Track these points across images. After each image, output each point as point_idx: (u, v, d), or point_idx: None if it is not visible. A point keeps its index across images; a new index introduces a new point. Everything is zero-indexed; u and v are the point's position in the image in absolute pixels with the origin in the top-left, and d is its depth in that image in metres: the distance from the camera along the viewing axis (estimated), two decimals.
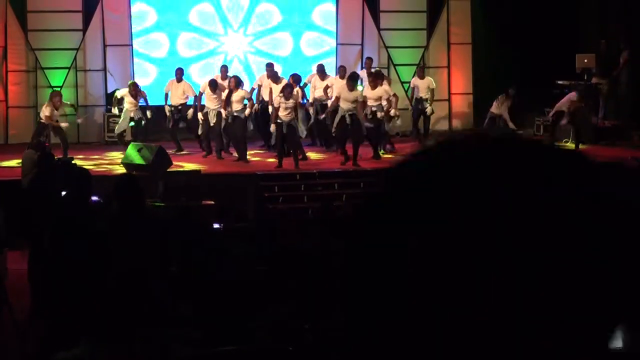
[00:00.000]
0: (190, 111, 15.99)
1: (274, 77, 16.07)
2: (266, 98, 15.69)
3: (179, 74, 16.51)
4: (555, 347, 0.76)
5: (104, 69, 18.31)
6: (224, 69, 16.51)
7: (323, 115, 15.44)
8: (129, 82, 16.46)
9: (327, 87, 16.02)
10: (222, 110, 15.37)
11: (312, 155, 15.50)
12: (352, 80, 15.00)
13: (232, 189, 13.34)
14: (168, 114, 16.26)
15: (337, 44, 19.20)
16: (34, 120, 16.86)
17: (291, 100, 14.45)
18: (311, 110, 16.45)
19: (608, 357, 0.79)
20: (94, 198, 8.22)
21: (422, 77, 17.39)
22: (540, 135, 17.58)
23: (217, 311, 5.26)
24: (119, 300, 4.18)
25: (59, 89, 18.06)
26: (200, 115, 15.66)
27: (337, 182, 14.10)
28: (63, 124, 15.54)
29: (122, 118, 16.02)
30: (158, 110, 16.72)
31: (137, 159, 13.66)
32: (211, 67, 18.46)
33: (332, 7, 19.22)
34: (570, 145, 16.40)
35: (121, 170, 13.88)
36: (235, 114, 15.17)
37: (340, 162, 14.77)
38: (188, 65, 18.35)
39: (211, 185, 13.27)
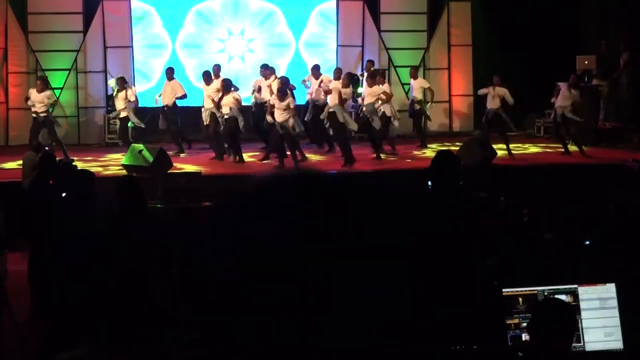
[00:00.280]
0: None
1: (267, 77, 16.07)
2: (267, 97, 15.66)
3: (169, 73, 16.52)
4: None
5: (105, 71, 18.31)
6: (216, 68, 16.32)
7: (323, 115, 15.41)
8: (117, 77, 16.46)
9: (320, 82, 16.01)
10: (215, 111, 15.45)
11: (313, 156, 15.48)
12: (350, 80, 15.12)
13: (232, 190, 13.31)
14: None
15: (337, 46, 19.20)
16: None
17: (285, 102, 14.46)
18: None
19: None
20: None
21: (414, 77, 17.35)
22: (541, 135, 17.55)
23: (217, 312, 5.26)
24: (119, 301, 4.18)
25: (59, 90, 18.09)
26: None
27: None
28: (59, 129, 15.52)
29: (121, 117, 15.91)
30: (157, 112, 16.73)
31: (138, 161, 13.66)
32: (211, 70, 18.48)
33: (332, 9, 19.22)
34: (572, 147, 16.40)
35: (122, 172, 13.90)
36: (226, 116, 15.16)
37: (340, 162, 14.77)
38: (189, 67, 18.40)
39: (211, 186, 13.25)
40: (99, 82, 18.37)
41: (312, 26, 19.18)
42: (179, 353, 4.60)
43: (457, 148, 15.01)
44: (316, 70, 16.57)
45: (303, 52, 19.08)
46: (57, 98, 15.84)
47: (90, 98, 18.18)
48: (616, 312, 4.35)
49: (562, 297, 4.31)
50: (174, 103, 16.33)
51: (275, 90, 14.94)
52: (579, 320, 4.29)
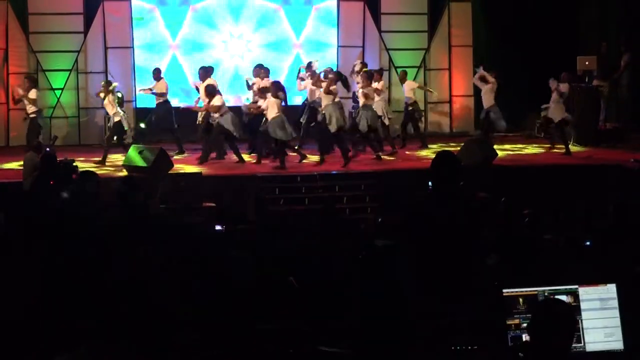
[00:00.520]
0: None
1: (261, 77, 16.04)
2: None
3: (156, 74, 16.53)
4: None
5: (105, 71, 18.32)
6: (202, 71, 16.06)
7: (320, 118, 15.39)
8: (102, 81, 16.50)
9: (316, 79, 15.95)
10: (200, 114, 15.54)
11: (313, 157, 15.48)
12: (338, 77, 15.06)
13: (233, 190, 13.34)
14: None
15: (338, 46, 19.20)
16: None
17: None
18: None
19: None
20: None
21: (403, 81, 17.38)
22: (541, 136, 17.55)
23: (217, 313, 5.25)
24: (119, 303, 4.18)
25: (60, 91, 18.09)
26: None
27: (338, 184, 14.10)
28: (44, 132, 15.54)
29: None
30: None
31: (139, 161, 13.66)
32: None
33: (333, 9, 19.22)
34: (573, 147, 16.40)
35: (123, 172, 13.90)
36: (216, 120, 15.16)
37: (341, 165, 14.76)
38: (188, 68, 18.41)
39: (212, 187, 13.27)
40: (100, 83, 18.36)
41: (312, 26, 19.17)
42: (178, 353, 4.60)
43: (458, 148, 15.02)
44: (308, 67, 16.46)
45: (304, 52, 19.07)
46: (37, 97, 15.48)
47: (90, 99, 18.17)
48: (617, 313, 4.35)
49: (563, 297, 4.31)
50: (166, 101, 16.34)
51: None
52: (580, 320, 4.29)
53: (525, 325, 4.17)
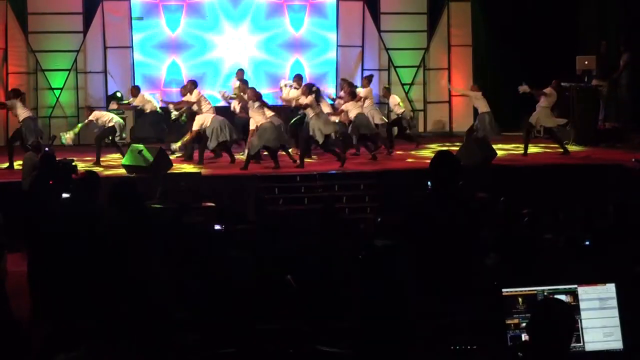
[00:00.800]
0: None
1: (243, 82, 15.95)
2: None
3: (134, 91, 16.65)
4: None
5: (105, 71, 18.32)
6: (188, 85, 15.77)
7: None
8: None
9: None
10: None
11: (307, 159, 15.46)
12: (308, 90, 14.89)
13: (232, 190, 13.34)
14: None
15: (337, 46, 19.20)
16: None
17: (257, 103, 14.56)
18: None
19: None
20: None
21: (387, 97, 17.35)
22: (540, 136, 17.54)
23: (217, 314, 5.25)
24: (118, 303, 4.18)
25: (59, 91, 18.09)
26: None
27: (337, 184, 14.10)
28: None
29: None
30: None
31: (138, 161, 13.66)
32: (212, 70, 18.49)
33: (332, 9, 19.21)
34: (572, 147, 16.40)
35: (122, 171, 13.91)
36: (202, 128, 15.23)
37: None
38: (187, 68, 18.42)
39: (211, 187, 13.26)
40: (99, 83, 18.38)
41: (312, 26, 19.16)
42: (178, 353, 4.60)
43: (457, 148, 15.02)
44: (299, 79, 16.44)
45: (304, 52, 19.08)
46: (19, 107, 15.31)
47: (90, 98, 18.18)
48: (616, 312, 4.35)
49: (562, 297, 4.31)
50: (146, 112, 16.34)
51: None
52: (579, 320, 4.29)
53: (524, 324, 4.17)
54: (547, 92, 15.89)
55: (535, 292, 4.33)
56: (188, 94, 15.40)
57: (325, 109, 15.02)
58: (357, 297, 5.40)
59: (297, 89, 15.78)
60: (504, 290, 4.31)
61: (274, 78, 18.32)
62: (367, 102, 16.07)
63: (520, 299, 4.30)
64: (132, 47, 18.39)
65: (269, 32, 18.93)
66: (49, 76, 18.13)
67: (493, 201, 9.13)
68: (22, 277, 7.99)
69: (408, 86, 19.59)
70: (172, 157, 14.80)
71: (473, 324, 4.60)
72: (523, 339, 4.22)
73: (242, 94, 15.11)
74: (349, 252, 6.66)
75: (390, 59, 19.46)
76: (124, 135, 15.88)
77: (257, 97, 14.66)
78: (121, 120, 15.71)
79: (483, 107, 16.29)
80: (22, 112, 14.88)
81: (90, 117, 15.45)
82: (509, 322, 4.27)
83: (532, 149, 16.61)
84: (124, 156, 14.34)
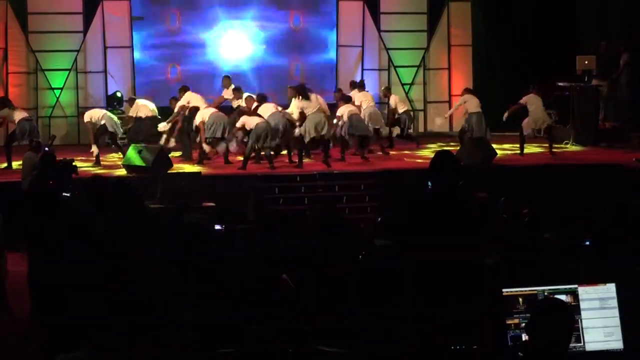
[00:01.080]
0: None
1: (237, 90, 15.95)
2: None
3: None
4: None
5: (105, 71, 18.32)
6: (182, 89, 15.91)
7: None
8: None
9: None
10: None
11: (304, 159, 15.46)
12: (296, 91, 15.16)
13: (232, 190, 13.34)
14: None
15: (337, 46, 19.20)
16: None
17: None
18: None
19: None
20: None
21: (387, 97, 17.24)
22: (541, 136, 17.53)
23: (217, 314, 5.25)
24: (118, 304, 4.18)
25: (59, 90, 18.08)
26: None
27: (337, 184, 14.10)
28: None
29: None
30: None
31: (138, 161, 13.66)
32: (212, 70, 18.49)
33: (332, 9, 19.21)
34: (572, 147, 16.40)
35: (122, 171, 13.91)
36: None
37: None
38: (187, 68, 18.43)
39: (211, 187, 13.27)
40: (99, 82, 18.38)
41: (312, 26, 19.16)
42: (178, 354, 4.60)
43: (457, 148, 15.02)
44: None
45: (303, 53, 19.08)
46: (8, 115, 15.28)
47: (90, 98, 18.18)
48: (616, 312, 4.35)
49: (562, 297, 4.31)
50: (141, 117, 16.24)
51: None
52: (579, 320, 4.29)
53: (524, 324, 4.17)
54: (522, 102, 15.84)
55: (536, 292, 4.32)
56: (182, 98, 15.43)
57: (316, 103, 15.01)
58: (357, 297, 5.40)
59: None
60: (504, 290, 4.31)
61: (274, 78, 18.33)
62: (365, 104, 15.97)
63: (520, 299, 4.29)
64: (132, 47, 18.39)
65: (269, 32, 18.92)
66: (49, 76, 18.13)
67: (493, 201, 9.13)
68: (22, 277, 7.98)
69: (408, 86, 19.58)
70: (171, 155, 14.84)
71: (473, 324, 4.59)
72: (523, 339, 4.22)
73: (236, 99, 15.42)
74: (349, 252, 6.66)
75: (390, 59, 19.46)
76: (120, 130, 15.79)
77: (257, 100, 14.87)
78: (113, 116, 15.58)
79: (472, 107, 16.20)
80: (17, 116, 14.90)
81: (86, 120, 15.39)
82: (509, 322, 4.26)
83: (533, 149, 16.61)
84: (124, 156, 14.34)
